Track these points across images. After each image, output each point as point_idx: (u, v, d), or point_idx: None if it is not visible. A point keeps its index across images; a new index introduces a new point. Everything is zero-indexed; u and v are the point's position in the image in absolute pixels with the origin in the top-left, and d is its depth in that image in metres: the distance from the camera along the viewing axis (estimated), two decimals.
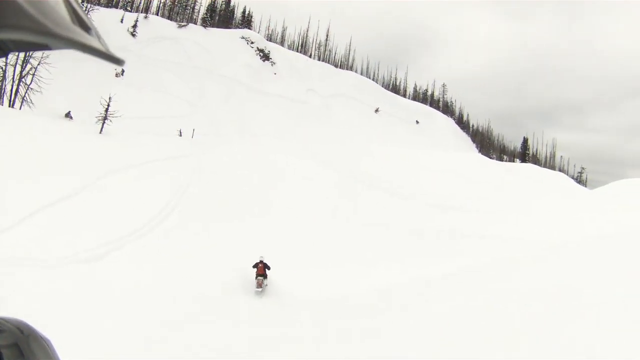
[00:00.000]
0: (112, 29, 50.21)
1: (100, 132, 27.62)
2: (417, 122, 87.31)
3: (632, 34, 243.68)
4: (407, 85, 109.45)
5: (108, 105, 29.76)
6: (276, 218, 22.83)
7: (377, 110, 79.39)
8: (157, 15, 67.18)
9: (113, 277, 13.02)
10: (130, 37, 53.67)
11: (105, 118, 29.21)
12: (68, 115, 36.44)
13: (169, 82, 47.10)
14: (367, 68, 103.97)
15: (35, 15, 0.48)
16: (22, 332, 0.86)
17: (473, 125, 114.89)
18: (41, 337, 0.89)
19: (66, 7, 0.55)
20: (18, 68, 31.46)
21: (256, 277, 16.58)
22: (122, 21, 56.82)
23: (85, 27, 0.56)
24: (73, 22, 0.55)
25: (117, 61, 0.58)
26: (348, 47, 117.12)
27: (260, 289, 16.39)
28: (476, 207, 31.94)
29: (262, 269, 17.34)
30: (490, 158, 72.85)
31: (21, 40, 0.51)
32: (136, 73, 43.21)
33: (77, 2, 0.58)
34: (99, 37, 0.58)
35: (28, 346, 0.84)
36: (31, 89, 31.24)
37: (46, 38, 0.49)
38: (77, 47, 0.53)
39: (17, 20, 0.47)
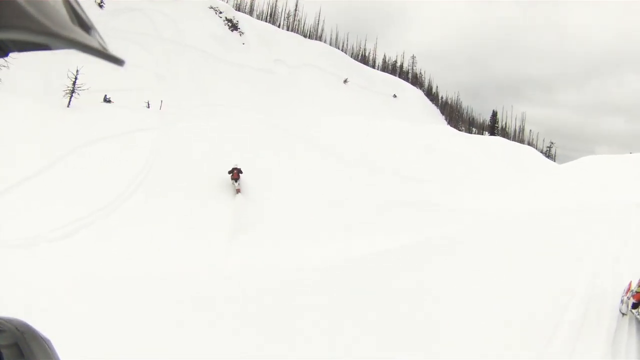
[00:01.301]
0: (80, 0, 49.60)
1: (67, 106, 27.85)
2: (395, 95, 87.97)
3: (596, 13, 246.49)
4: (377, 57, 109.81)
5: (75, 79, 29.87)
6: (247, 194, 23.29)
7: (345, 81, 79.82)
8: None
9: (83, 256, 13.56)
10: (98, 8, 53.16)
11: (72, 91, 29.35)
12: (106, 99, 36.90)
13: (137, 54, 47.04)
14: (336, 38, 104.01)
15: (35, 15, 0.48)
16: (22, 332, 0.87)
17: (442, 98, 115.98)
18: (41, 337, 0.90)
19: (66, 7, 0.55)
20: None
21: (232, 182, 22.44)
22: None
23: (85, 27, 0.57)
24: (73, 22, 0.55)
25: (117, 61, 0.59)
26: (317, 17, 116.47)
27: (239, 193, 22.07)
28: (444, 179, 32.91)
29: (236, 174, 22.74)
30: (459, 130, 74.01)
31: (21, 40, 0.50)
32: None
33: (77, 2, 0.59)
34: (99, 37, 0.59)
35: (28, 346, 0.85)
36: None
37: (46, 38, 0.49)
38: (77, 47, 0.54)
39: (17, 20, 0.46)
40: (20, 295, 9.48)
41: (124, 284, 11.40)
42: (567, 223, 16.59)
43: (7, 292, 9.44)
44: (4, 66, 29.99)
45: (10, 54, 0.54)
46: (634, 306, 8.72)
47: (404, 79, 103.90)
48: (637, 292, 8.82)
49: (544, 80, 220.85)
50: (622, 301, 9.25)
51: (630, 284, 9.46)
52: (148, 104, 39.66)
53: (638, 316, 8.59)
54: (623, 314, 9.00)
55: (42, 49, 0.57)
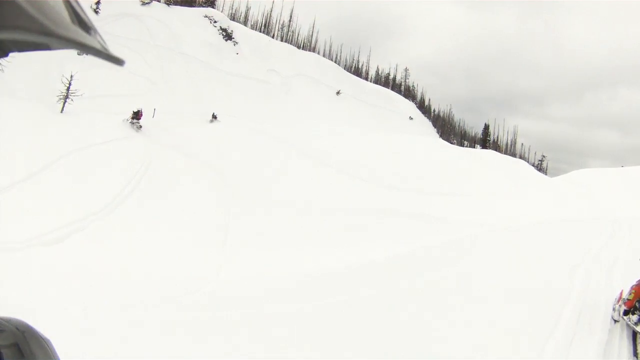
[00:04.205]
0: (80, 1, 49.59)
1: (61, 112, 27.75)
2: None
3: (590, 28, 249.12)
4: (370, 69, 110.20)
5: (69, 84, 29.74)
6: (239, 198, 23.28)
7: (338, 93, 79.89)
8: None
9: (76, 260, 13.44)
10: (93, 14, 53.09)
11: (66, 97, 29.21)
12: (214, 116, 37.41)
13: (131, 60, 46.89)
14: (330, 50, 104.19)
15: (35, 15, 0.48)
16: (22, 332, 0.87)
17: (434, 111, 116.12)
18: (41, 337, 0.90)
19: (66, 7, 0.55)
20: None
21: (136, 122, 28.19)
22: None
23: (85, 27, 0.57)
24: (73, 22, 0.55)
25: (117, 61, 0.59)
26: (311, 28, 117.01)
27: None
28: (437, 191, 32.93)
29: (140, 114, 29.08)
30: (451, 143, 74.08)
31: (21, 40, 0.50)
32: None
33: (77, 2, 0.59)
34: (99, 37, 0.59)
35: (28, 346, 0.85)
36: None
37: (46, 38, 0.49)
38: (77, 47, 0.53)
39: (17, 20, 0.47)
40: (14, 296, 9.38)
41: (122, 286, 11.32)
42: (563, 233, 16.69)
43: (3, 293, 9.34)
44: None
45: (10, 54, 0.60)
46: (625, 313, 9.33)
47: (396, 92, 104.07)
48: (628, 299, 9.42)
49: (537, 93, 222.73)
50: (614, 309, 9.86)
51: (621, 293, 10.04)
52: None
53: (629, 322, 9.17)
54: (615, 321, 9.58)
55: (42, 49, 0.56)
